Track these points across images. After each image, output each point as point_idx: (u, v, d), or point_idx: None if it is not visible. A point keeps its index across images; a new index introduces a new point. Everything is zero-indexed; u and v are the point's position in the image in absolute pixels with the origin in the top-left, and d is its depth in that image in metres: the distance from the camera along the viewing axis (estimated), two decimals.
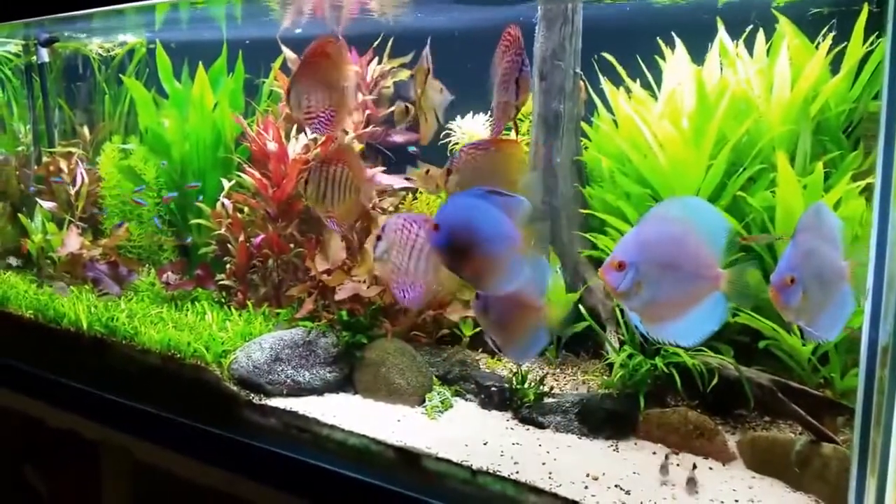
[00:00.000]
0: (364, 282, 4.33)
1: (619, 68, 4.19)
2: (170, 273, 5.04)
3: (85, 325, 4.69)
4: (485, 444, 3.55)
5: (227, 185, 5.15)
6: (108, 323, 4.65)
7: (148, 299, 5.12)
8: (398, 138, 5.09)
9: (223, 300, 5.01)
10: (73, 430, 4.66)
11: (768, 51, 4.06)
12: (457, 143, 4.68)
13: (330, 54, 3.55)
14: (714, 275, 2.54)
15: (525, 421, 3.76)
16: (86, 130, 6.29)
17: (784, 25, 3.99)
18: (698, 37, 4.21)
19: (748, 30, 4.09)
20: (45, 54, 6.36)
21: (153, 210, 5.69)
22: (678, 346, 3.54)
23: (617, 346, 3.87)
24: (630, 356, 3.70)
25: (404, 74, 5.01)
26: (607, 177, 4.35)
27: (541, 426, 3.71)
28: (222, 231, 5.07)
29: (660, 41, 4.23)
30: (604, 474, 3.26)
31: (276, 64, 5.45)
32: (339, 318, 4.26)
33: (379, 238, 3.10)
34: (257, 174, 4.88)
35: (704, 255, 2.54)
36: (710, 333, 2.62)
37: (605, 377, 3.91)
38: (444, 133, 4.69)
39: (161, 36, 5.80)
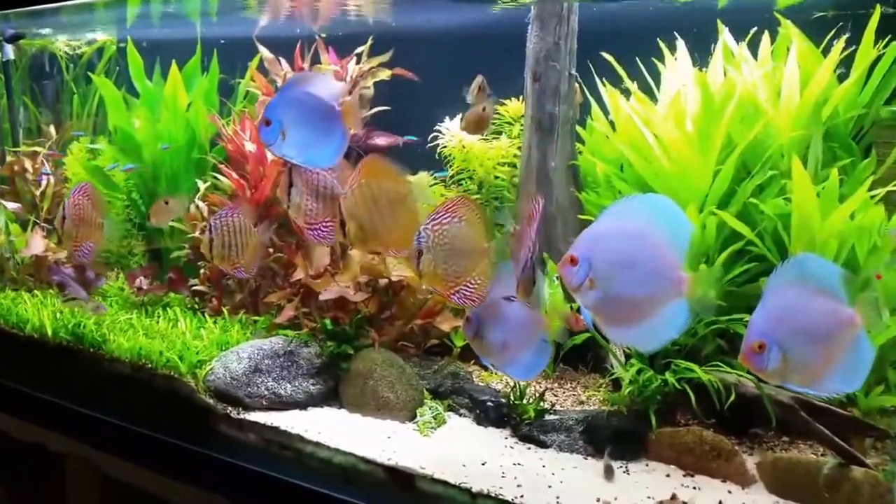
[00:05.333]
0: (350, 287, 3.78)
1: (619, 69, 3.73)
2: (141, 278, 4.42)
3: (50, 332, 4.08)
4: (483, 464, 3.05)
5: (202, 186, 4.56)
6: (74, 330, 4.03)
7: (117, 305, 4.49)
8: (380, 141, 4.56)
9: (196, 306, 4.42)
10: (37, 443, 4.08)
11: (772, 54, 3.64)
12: (445, 146, 4.17)
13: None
14: (675, 278, 2.27)
15: (525, 439, 3.26)
16: (52, 130, 5.60)
17: (788, 28, 3.58)
18: (697, 39, 3.78)
19: (751, 33, 3.67)
20: (10, 51, 5.67)
21: (123, 213, 5.06)
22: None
23: (622, 359, 3.39)
24: (639, 371, 3.22)
25: (385, 74, 4.48)
26: (603, 182, 3.89)
27: (543, 445, 3.22)
28: (197, 234, 4.47)
29: (659, 43, 3.78)
30: (616, 499, 2.78)
31: (253, 63, 4.87)
32: (323, 326, 3.71)
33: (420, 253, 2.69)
34: (234, 175, 4.30)
35: (665, 256, 2.28)
36: (668, 341, 2.40)
37: (609, 392, 3.43)
38: (431, 136, 4.18)
39: (132, 34, 5.17)
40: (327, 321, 3.68)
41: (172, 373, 3.66)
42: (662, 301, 2.32)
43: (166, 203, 4.11)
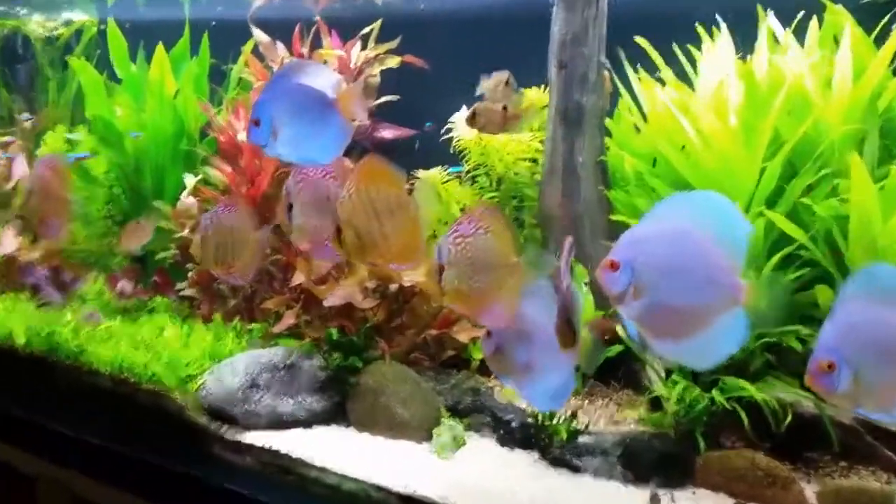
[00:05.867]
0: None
1: (654, 55, 3.41)
2: (124, 282, 4.04)
3: (22, 341, 3.68)
4: (511, 491, 2.72)
5: (190, 181, 4.18)
6: (48, 338, 3.64)
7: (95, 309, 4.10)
8: (387, 134, 4.22)
9: (185, 312, 4.04)
10: (6, 463, 3.69)
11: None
12: (459, 139, 3.82)
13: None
14: (732, 284, 2.02)
15: (556, 463, 2.94)
16: (25, 118, 5.18)
17: (838, 14, 3.28)
18: (734, 25, 3.48)
19: (797, 18, 3.37)
20: None
21: (103, 210, 4.67)
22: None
23: (662, 374, 3.08)
24: (684, 388, 2.91)
25: (393, 61, 4.13)
26: (633, 178, 3.57)
27: (576, 469, 2.90)
28: (185, 234, 4.09)
29: (697, 28, 3.47)
30: None
31: (247, 48, 4.50)
32: (328, 336, 3.36)
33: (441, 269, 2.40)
34: (228, 169, 3.93)
35: (720, 260, 2.04)
36: (725, 357, 2.12)
37: (647, 410, 3.11)
38: (445, 128, 3.83)
39: (114, 14, 4.77)
40: (333, 331, 3.34)
41: (159, 387, 3.30)
42: (717, 311, 2.05)
43: (138, 223, 3.81)
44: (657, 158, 3.51)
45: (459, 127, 3.68)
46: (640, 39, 3.46)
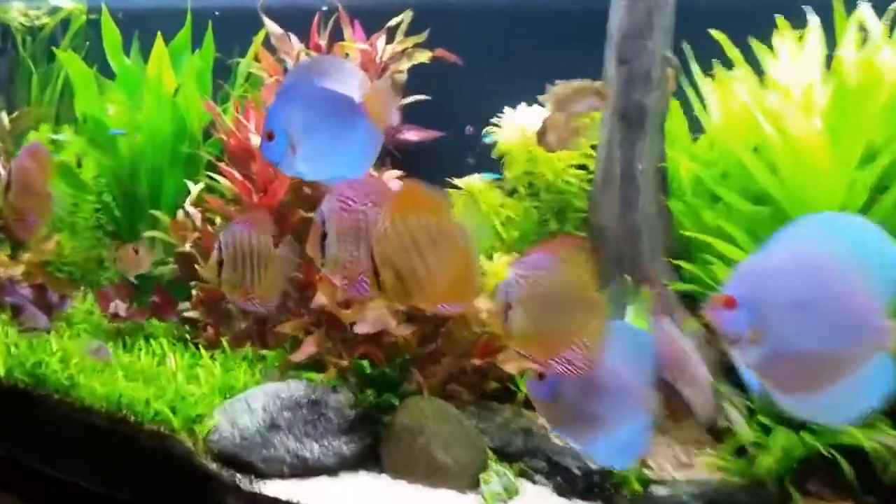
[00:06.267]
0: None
1: (732, 51, 3.02)
2: (118, 302, 3.59)
3: (2, 371, 3.23)
4: None
5: (193, 188, 3.74)
6: (33, 370, 3.20)
7: (86, 334, 3.65)
8: (410, 136, 3.80)
9: (187, 336, 3.60)
10: None
11: None
12: (498, 140, 3.39)
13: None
14: (877, 327, 1.71)
15: None
16: (4, 117, 4.68)
17: None
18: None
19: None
20: None
21: (91, 219, 4.22)
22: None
23: (744, 412, 2.69)
24: (767, 430, 2.53)
25: (424, 56, 3.71)
26: (691, 187, 3.19)
27: None
28: (187, 247, 3.65)
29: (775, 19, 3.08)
30: None
31: (257, 39, 4.06)
32: (359, 369, 2.94)
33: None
34: (237, 175, 3.49)
35: (863, 299, 1.72)
36: (868, 411, 1.79)
37: (723, 452, 2.72)
38: (488, 131, 3.42)
39: (106, 1, 4.30)
40: (364, 364, 2.92)
41: (163, 428, 2.87)
42: (858, 358, 1.72)
43: (136, 252, 3.40)
44: (723, 164, 3.14)
45: (505, 130, 3.26)
46: (715, 33, 3.07)
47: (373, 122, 2.36)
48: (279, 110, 2.33)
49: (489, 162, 3.57)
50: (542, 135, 2.70)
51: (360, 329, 2.94)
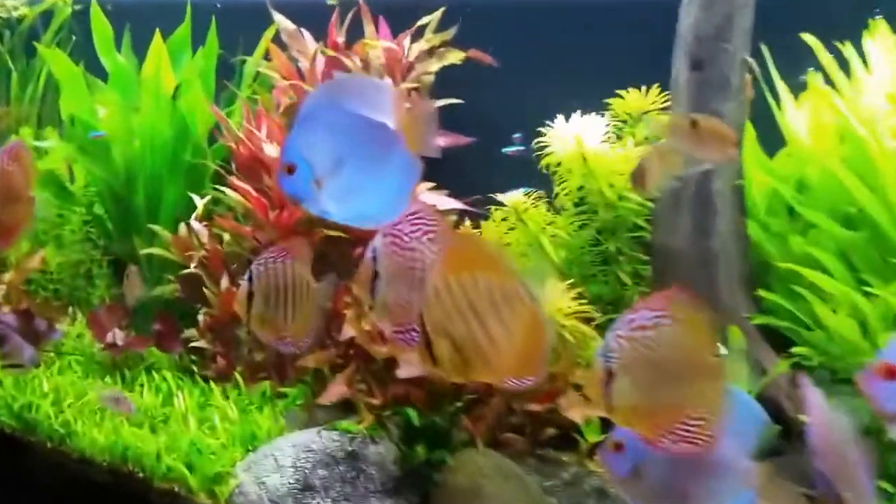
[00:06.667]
0: None
1: (824, 55, 2.69)
2: (115, 331, 3.17)
3: None
4: None
5: (199, 202, 3.32)
6: (21, 413, 2.78)
7: (78, 365, 3.23)
8: (440, 142, 3.42)
9: (194, 368, 3.20)
10: None
11: None
12: (549, 152, 3.01)
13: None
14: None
15: None
16: None
17: None
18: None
19: None
20: None
21: (80, 232, 3.78)
22: None
23: None
24: None
25: (455, 56, 3.33)
26: (765, 206, 2.87)
27: None
28: (192, 267, 3.24)
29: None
30: None
31: (267, 35, 3.64)
32: (404, 418, 2.57)
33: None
34: (253, 193, 3.08)
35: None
36: None
37: None
38: (537, 142, 3.03)
39: None
40: (412, 413, 2.54)
41: (177, 487, 2.48)
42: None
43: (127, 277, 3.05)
44: (805, 181, 2.81)
45: (565, 138, 2.88)
46: (806, 36, 2.73)
47: (411, 151, 2.03)
48: (301, 138, 1.94)
49: (521, 173, 3.21)
50: (639, 176, 2.31)
51: (405, 373, 2.56)
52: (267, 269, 2.26)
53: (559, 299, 2.77)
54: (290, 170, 1.99)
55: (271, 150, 3.16)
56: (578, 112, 2.94)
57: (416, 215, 2.14)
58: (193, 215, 3.28)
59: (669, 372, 1.71)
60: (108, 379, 3.09)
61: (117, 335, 3.17)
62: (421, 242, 2.07)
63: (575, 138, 2.81)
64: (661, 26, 2.89)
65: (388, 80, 3.17)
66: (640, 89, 3.05)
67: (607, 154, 2.83)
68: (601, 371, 1.74)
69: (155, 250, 3.48)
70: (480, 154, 3.33)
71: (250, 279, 2.26)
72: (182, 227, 3.41)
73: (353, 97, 2.04)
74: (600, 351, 1.75)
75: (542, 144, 2.98)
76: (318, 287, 2.30)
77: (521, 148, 3.38)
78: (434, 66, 3.35)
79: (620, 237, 3.02)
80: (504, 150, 3.32)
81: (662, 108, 3.00)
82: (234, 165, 3.39)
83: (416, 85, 3.31)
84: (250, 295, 2.24)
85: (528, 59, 3.33)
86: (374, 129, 2.01)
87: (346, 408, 2.84)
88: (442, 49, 3.36)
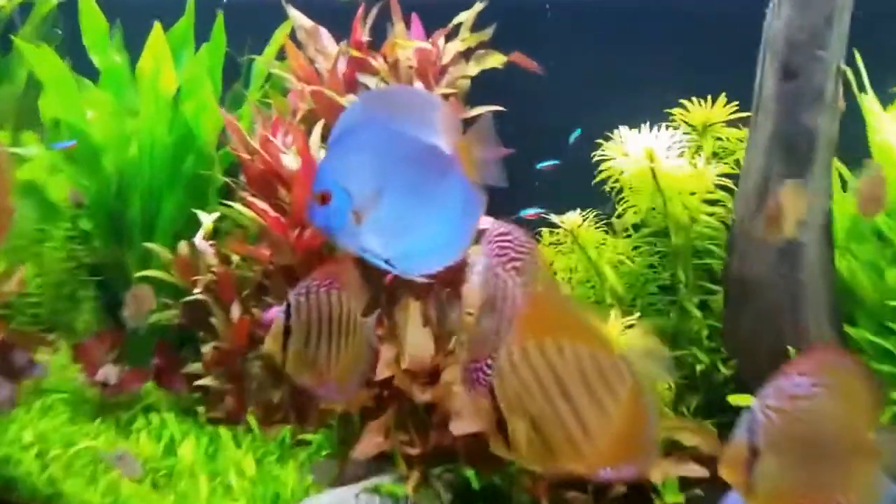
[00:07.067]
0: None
1: None
2: (108, 368, 2.74)
3: None
4: None
5: (205, 218, 2.91)
6: (1, 468, 2.36)
7: (63, 405, 2.80)
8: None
9: (198, 407, 2.79)
10: None
11: None
12: (612, 167, 2.65)
13: None
14: None
15: None
16: None
17: None
18: None
19: None
20: None
21: (63, 249, 3.35)
22: None
23: None
24: None
25: (496, 60, 2.97)
26: (849, 235, 2.55)
27: None
28: (197, 293, 2.84)
29: None
30: None
31: (281, 31, 3.25)
32: (458, 476, 2.19)
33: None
34: (271, 213, 2.67)
35: None
36: None
37: None
38: (595, 155, 2.67)
39: None
40: (470, 474, 2.17)
41: None
42: None
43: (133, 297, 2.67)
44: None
45: (633, 153, 2.51)
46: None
47: (469, 179, 1.69)
48: (337, 161, 1.67)
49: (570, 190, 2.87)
50: (774, 217, 1.97)
51: (460, 429, 2.19)
52: (308, 299, 1.91)
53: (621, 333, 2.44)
54: (325, 198, 1.66)
55: (290, 162, 2.78)
56: (645, 124, 2.60)
57: (506, 237, 1.83)
58: (200, 233, 2.87)
59: (823, 451, 1.45)
60: (98, 420, 2.68)
61: (110, 373, 2.74)
62: (506, 262, 1.79)
63: (646, 152, 2.47)
64: (740, 29, 2.57)
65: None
66: (704, 99, 2.74)
67: (682, 171, 2.49)
68: (744, 449, 1.44)
69: (152, 272, 3.06)
70: (521, 168, 2.98)
71: (288, 312, 1.91)
72: (183, 246, 3.01)
73: (399, 112, 1.72)
74: (743, 424, 1.45)
75: (602, 158, 2.63)
76: (366, 321, 1.96)
77: (557, 162, 3.05)
78: (472, 69, 2.99)
79: (688, 263, 2.68)
80: (539, 165, 2.98)
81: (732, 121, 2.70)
82: (243, 177, 3.00)
83: (453, 91, 2.96)
84: (287, 331, 1.90)
85: (576, 63, 3.00)
86: (426, 152, 1.68)
87: (379, 456, 2.48)
88: (481, 51, 3.01)
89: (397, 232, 1.72)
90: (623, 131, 2.59)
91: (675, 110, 2.74)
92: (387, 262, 1.74)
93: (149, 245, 3.11)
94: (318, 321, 1.91)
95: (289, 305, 1.90)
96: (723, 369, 2.63)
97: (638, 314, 2.49)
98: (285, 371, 1.93)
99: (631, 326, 2.43)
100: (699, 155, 2.65)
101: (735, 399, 2.30)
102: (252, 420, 2.67)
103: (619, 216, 2.67)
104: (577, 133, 2.85)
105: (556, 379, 1.43)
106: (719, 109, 2.72)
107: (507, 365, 1.43)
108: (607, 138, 2.69)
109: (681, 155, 2.50)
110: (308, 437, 2.59)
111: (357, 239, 1.70)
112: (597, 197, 2.74)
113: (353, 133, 1.70)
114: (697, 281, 2.74)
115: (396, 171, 1.72)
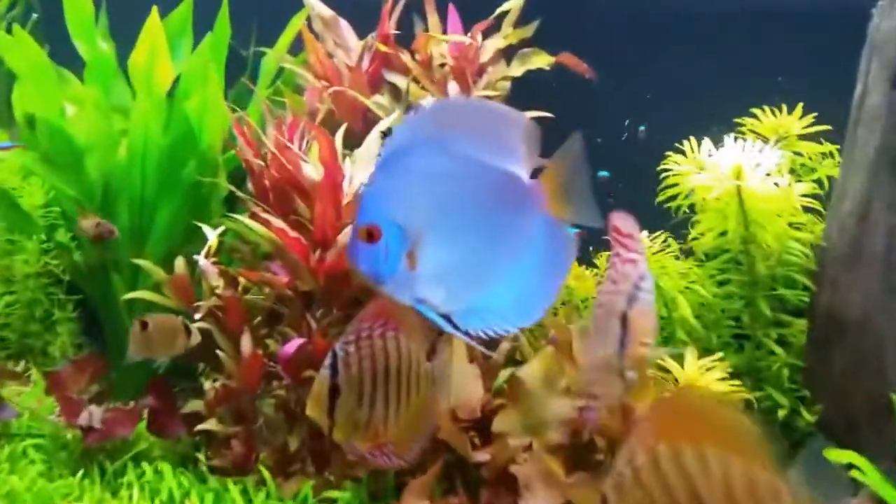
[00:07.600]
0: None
1: None
2: (91, 410, 2.31)
3: None
4: None
5: (211, 234, 2.49)
6: None
7: (36, 452, 2.36)
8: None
9: (200, 456, 2.38)
10: None
11: None
12: (685, 185, 2.30)
13: None
14: None
15: None
16: None
17: None
18: None
19: None
20: None
21: (37, 264, 2.91)
22: None
23: None
24: None
25: (543, 61, 2.62)
26: None
27: None
28: (198, 320, 2.42)
29: None
30: None
31: (295, 22, 2.86)
32: None
33: None
34: (291, 233, 2.27)
35: None
36: None
37: None
38: (661, 168, 2.32)
39: None
40: None
41: None
42: None
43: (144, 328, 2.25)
44: None
45: (715, 171, 2.17)
46: None
47: (557, 217, 1.39)
48: (389, 190, 1.35)
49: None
50: None
51: (532, 500, 1.83)
52: (360, 348, 1.56)
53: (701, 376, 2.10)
54: (372, 235, 1.31)
55: (311, 171, 2.38)
56: (730, 135, 2.26)
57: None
58: (204, 250, 2.46)
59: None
60: (80, 473, 2.25)
61: (93, 415, 2.31)
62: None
63: (734, 170, 2.13)
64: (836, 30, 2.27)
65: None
66: (779, 108, 2.43)
67: (771, 192, 2.16)
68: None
69: (141, 294, 2.64)
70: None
71: (334, 366, 1.55)
72: (179, 264, 2.59)
73: (467, 132, 1.36)
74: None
75: (672, 174, 2.28)
76: (431, 367, 1.62)
77: (607, 174, 2.74)
78: (516, 70, 2.64)
79: (771, 295, 2.34)
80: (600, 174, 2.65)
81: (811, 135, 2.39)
82: (250, 185, 2.60)
83: (495, 93, 2.60)
84: (334, 390, 1.55)
85: (634, 68, 2.68)
86: (501, 182, 1.35)
87: None
88: (526, 49, 2.65)
89: (463, 282, 1.37)
90: (705, 143, 2.25)
91: (747, 120, 2.43)
92: (447, 318, 1.39)
93: (137, 261, 2.68)
94: (371, 374, 1.55)
95: (335, 358, 1.54)
96: (806, 415, 2.32)
97: (720, 354, 2.15)
98: (332, 438, 1.58)
99: (711, 369, 2.11)
100: (780, 173, 2.33)
101: (836, 455, 1.98)
102: (264, 470, 2.27)
103: (693, 239, 2.33)
104: (641, 128, 2.54)
105: (692, 495, 1.05)
106: (797, 120, 2.41)
107: (630, 473, 1.06)
108: (674, 149, 2.36)
109: (771, 173, 2.17)
110: (333, 493, 2.20)
111: (409, 287, 1.35)
112: (659, 215, 2.41)
113: (407, 154, 1.35)
114: (773, 313, 2.42)
115: (462, 205, 1.37)
